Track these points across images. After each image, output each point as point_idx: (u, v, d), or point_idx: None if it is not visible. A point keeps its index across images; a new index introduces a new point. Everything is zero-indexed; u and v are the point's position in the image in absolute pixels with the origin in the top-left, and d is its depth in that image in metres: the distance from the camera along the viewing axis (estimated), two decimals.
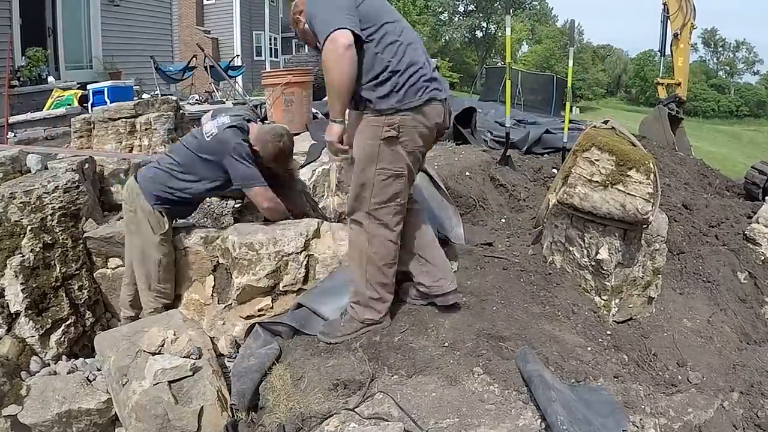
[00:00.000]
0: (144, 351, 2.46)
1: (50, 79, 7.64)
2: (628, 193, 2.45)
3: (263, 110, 4.99)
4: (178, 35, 13.54)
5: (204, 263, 2.94)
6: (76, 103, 6.36)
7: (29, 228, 3.02)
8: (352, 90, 2.05)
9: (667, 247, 2.93)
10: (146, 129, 4.19)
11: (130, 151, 4.15)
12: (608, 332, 2.54)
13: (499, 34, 42.73)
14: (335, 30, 1.95)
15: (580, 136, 2.77)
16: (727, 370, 2.54)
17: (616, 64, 57.41)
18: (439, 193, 3.22)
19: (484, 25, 45.85)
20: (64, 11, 8.42)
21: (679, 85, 7.42)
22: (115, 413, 2.52)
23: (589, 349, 2.34)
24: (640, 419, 2.06)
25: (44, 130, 5.55)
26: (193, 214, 3.31)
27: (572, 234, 2.73)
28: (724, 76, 55.38)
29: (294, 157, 3.22)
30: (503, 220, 3.50)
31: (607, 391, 2.09)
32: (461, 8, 46.09)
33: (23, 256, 2.97)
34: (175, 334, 2.54)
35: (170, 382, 2.29)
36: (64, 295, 3.12)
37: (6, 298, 2.91)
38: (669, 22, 7.31)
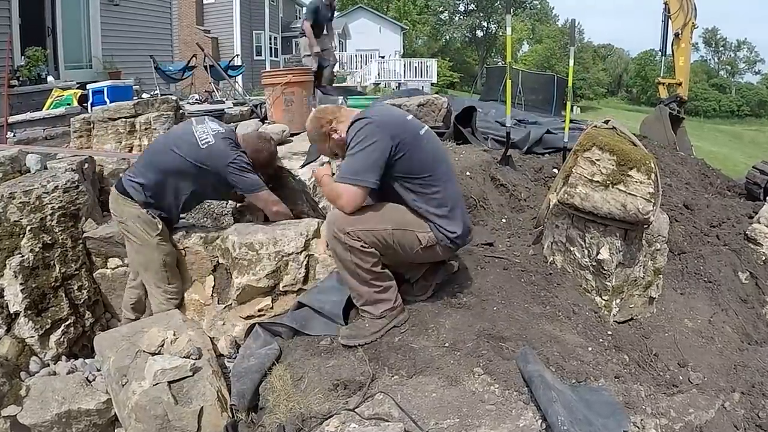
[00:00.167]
0: (144, 351, 2.46)
1: (50, 78, 7.62)
2: (629, 193, 2.44)
3: (263, 110, 4.98)
4: (177, 35, 13.55)
5: (204, 263, 2.93)
6: (75, 103, 6.35)
7: (29, 228, 3.02)
8: None
9: (668, 247, 2.92)
10: (146, 129, 4.19)
11: (130, 151, 4.14)
12: (609, 332, 2.53)
13: (500, 34, 42.75)
14: (351, 185, 2.15)
15: (580, 135, 2.76)
16: (728, 371, 2.53)
17: (617, 63, 57.40)
18: None
19: (485, 24, 45.88)
20: (64, 11, 8.40)
21: (680, 84, 7.41)
22: (115, 414, 2.52)
23: (589, 349, 2.33)
24: (641, 420, 2.05)
25: (44, 129, 5.54)
26: (187, 217, 3.30)
27: (573, 234, 2.73)
28: (725, 76, 55.40)
29: (294, 156, 3.22)
30: (504, 220, 3.49)
31: (608, 391, 2.08)
32: (462, 8, 46.15)
33: (23, 256, 2.97)
34: (174, 335, 2.54)
35: (170, 382, 2.29)
36: (63, 295, 3.11)
37: (5, 298, 2.91)
38: (670, 21, 7.31)
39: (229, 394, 2.36)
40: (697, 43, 52.15)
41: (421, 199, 2.28)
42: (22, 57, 7.38)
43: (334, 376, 2.11)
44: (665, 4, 7.34)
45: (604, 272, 2.60)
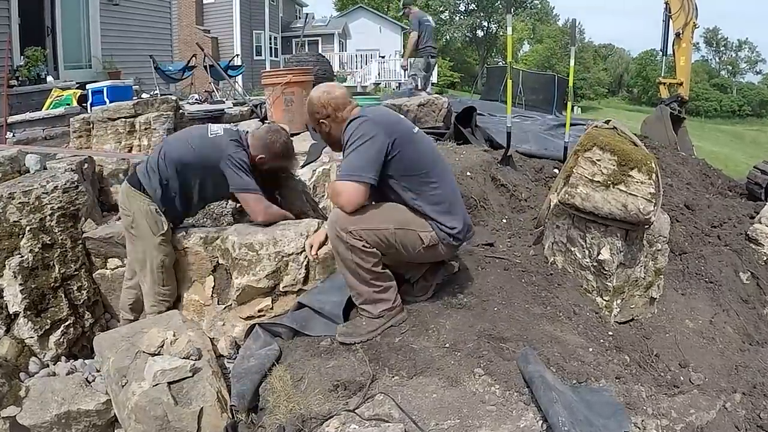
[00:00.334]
0: (143, 352, 2.45)
1: (49, 78, 7.61)
2: (630, 194, 2.44)
3: (263, 110, 4.98)
4: (177, 34, 13.55)
5: (204, 264, 2.92)
6: (75, 103, 6.34)
7: (28, 228, 3.01)
8: None
9: (669, 248, 2.91)
10: (145, 129, 4.19)
11: (130, 151, 4.14)
12: (610, 333, 2.53)
13: (500, 34, 42.70)
14: (352, 181, 2.15)
15: (582, 136, 2.75)
16: (729, 371, 2.53)
17: (618, 63, 57.37)
18: None
19: (485, 24, 45.83)
20: (63, 10, 8.39)
21: (681, 84, 7.41)
22: (115, 414, 2.51)
23: (590, 350, 2.33)
24: (642, 420, 2.05)
25: (43, 129, 5.53)
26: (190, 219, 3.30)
27: (574, 234, 2.72)
28: (726, 76, 55.37)
29: (294, 157, 3.21)
30: (504, 221, 3.49)
31: (608, 392, 2.08)
32: (462, 7, 46.06)
33: (22, 256, 2.96)
34: (174, 335, 2.53)
35: (170, 383, 2.28)
36: (63, 295, 3.11)
37: (5, 298, 2.91)
38: (671, 21, 7.30)
39: (229, 394, 2.36)
40: (698, 43, 52.14)
41: (420, 197, 2.28)
42: (22, 57, 7.36)
43: (335, 376, 2.11)
44: (666, 3, 7.34)
45: (604, 273, 2.59)
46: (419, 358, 2.15)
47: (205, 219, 3.51)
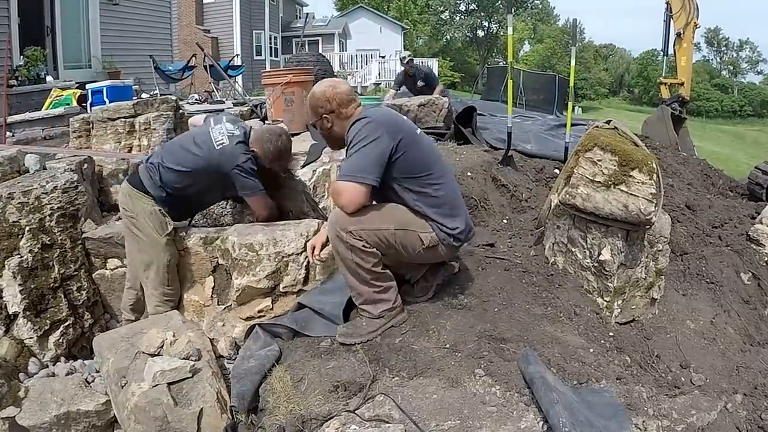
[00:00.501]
0: (143, 352, 2.44)
1: (49, 78, 7.61)
2: (631, 194, 2.43)
3: (263, 110, 4.97)
4: (177, 34, 13.55)
5: (203, 264, 2.92)
6: (74, 103, 6.34)
7: (27, 228, 3.01)
8: None
9: (670, 248, 2.90)
10: (145, 129, 4.18)
11: (129, 151, 4.13)
12: (611, 334, 2.52)
13: (501, 34, 42.70)
14: (354, 182, 2.13)
15: (582, 136, 2.75)
16: (730, 372, 2.52)
17: (619, 63, 57.31)
18: None
19: (486, 24, 45.82)
20: (63, 10, 8.39)
21: (682, 84, 7.42)
22: (114, 415, 2.50)
23: (591, 350, 2.32)
24: (643, 421, 2.04)
25: (43, 129, 5.53)
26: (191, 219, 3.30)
27: (574, 235, 2.71)
28: (727, 76, 55.32)
29: (294, 157, 3.21)
30: (505, 221, 3.48)
31: (609, 393, 2.07)
32: (462, 7, 46.06)
33: (21, 256, 2.95)
34: (174, 336, 2.52)
35: (169, 383, 2.27)
36: (62, 296, 3.10)
37: (4, 299, 2.90)
38: (672, 21, 7.30)
39: (229, 395, 2.35)
40: (699, 43, 52.17)
41: (422, 199, 2.27)
42: (21, 57, 7.36)
43: (335, 377, 2.10)
44: (667, 3, 7.34)
45: (605, 273, 2.59)
46: (420, 358, 2.14)
47: (204, 219, 3.50)
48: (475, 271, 2.78)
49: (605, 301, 2.63)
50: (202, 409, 2.24)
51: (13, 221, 2.99)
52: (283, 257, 2.70)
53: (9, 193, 3.01)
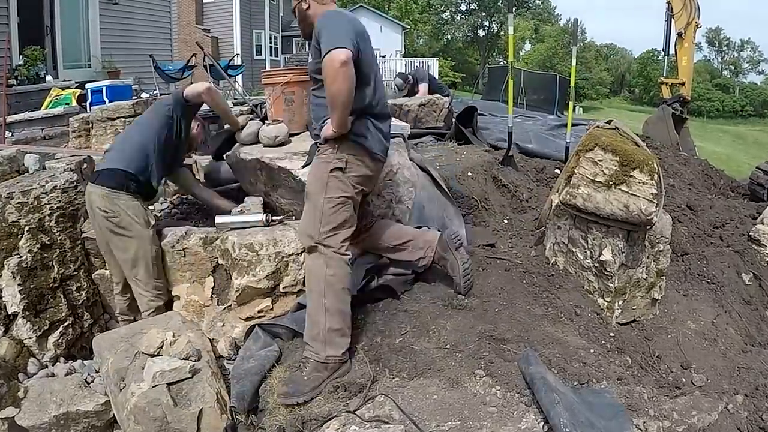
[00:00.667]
0: (143, 353, 2.44)
1: (48, 78, 7.60)
2: (632, 194, 2.43)
3: (263, 110, 4.96)
4: (177, 34, 13.53)
5: (203, 264, 2.91)
6: (74, 103, 6.35)
7: (27, 228, 3.00)
8: (350, 104, 2.17)
9: (671, 249, 2.90)
10: None
11: None
12: (611, 334, 2.52)
13: (502, 33, 42.63)
14: (335, 48, 2.07)
15: (583, 136, 2.74)
16: (731, 373, 2.52)
17: (620, 63, 57.24)
18: (440, 193, 3.19)
19: (487, 24, 45.80)
20: (63, 10, 8.38)
21: (683, 84, 7.40)
22: (114, 416, 2.50)
23: (592, 351, 2.32)
24: (644, 422, 2.03)
25: (42, 129, 5.53)
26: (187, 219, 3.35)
27: (575, 235, 2.71)
28: (728, 76, 55.25)
29: (295, 156, 3.19)
30: (505, 221, 3.47)
31: (610, 393, 2.07)
32: (463, 7, 46.08)
33: (21, 256, 2.94)
34: (174, 336, 2.52)
35: (169, 384, 2.27)
36: (62, 296, 3.09)
37: (3, 299, 2.89)
38: (673, 21, 7.29)
39: (229, 396, 2.35)
40: (700, 43, 52.05)
41: (358, 97, 2.23)
42: (21, 56, 7.35)
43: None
44: (668, 3, 7.32)
45: (606, 273, 2.58)
46: (420, 359, 2.14)
47: (204, 219, 3.49)
48: (475, 271, 2.77)
49: (606, 301, 2.63)
50: (201, 409, 2.24)
51: (13, 221, 2.98)
52: (283, 257, 2.70)
53: (8, 193, 3.00)
